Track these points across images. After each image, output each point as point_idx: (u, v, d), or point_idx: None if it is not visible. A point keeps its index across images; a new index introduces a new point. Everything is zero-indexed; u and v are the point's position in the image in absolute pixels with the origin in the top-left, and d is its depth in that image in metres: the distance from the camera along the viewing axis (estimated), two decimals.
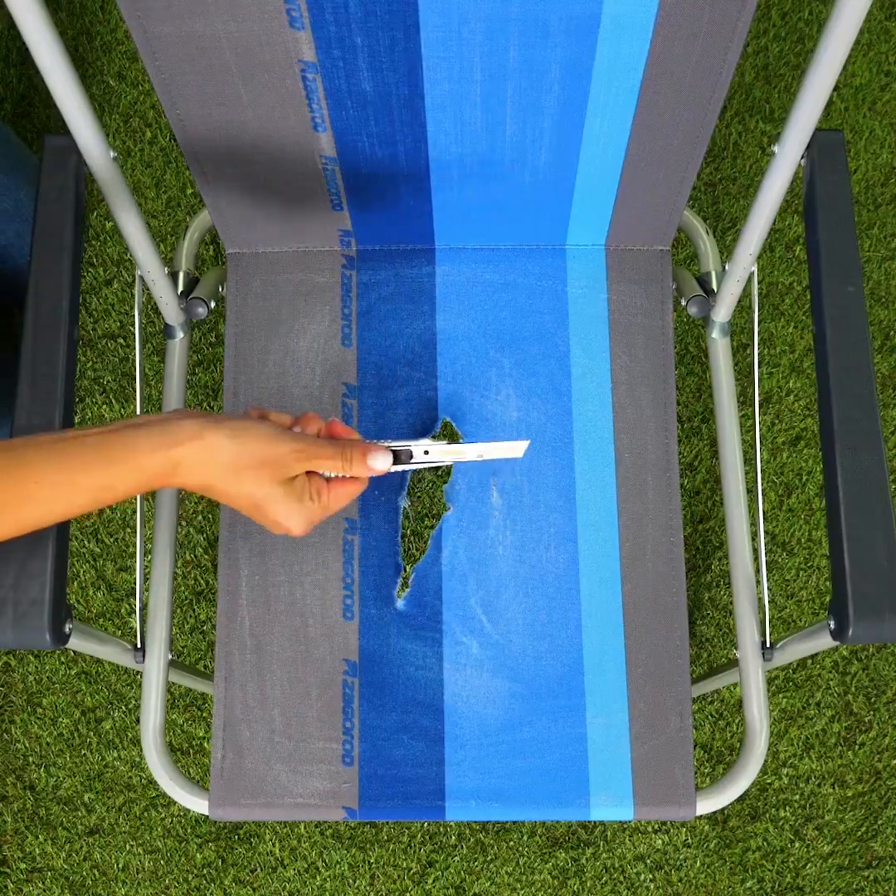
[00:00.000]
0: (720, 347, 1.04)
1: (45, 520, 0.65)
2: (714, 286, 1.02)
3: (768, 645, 0.94)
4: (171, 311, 1.01)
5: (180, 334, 1.04)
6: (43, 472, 0.63)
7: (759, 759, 0.92)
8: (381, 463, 0.75)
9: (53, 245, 0.83)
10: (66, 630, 0.79)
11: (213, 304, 1.02)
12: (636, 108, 0.83)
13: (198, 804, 0.93)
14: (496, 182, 0.92)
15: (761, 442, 1.42)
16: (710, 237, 1.05)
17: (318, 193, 0.94)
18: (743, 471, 1.00)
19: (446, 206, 0.96)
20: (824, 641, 0.82)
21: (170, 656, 0.96)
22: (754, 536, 1.01)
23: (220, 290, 1.05)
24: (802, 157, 0.84)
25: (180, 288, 1.02)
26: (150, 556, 1.08)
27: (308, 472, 0.72)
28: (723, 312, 1.02)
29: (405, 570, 0.98)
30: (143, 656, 0.94)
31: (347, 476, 0.74)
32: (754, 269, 0.97)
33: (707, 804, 0.92)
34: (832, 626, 0.80)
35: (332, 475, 0.74)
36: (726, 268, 0.97)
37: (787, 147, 0.81)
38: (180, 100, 0.82)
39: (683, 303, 1.02)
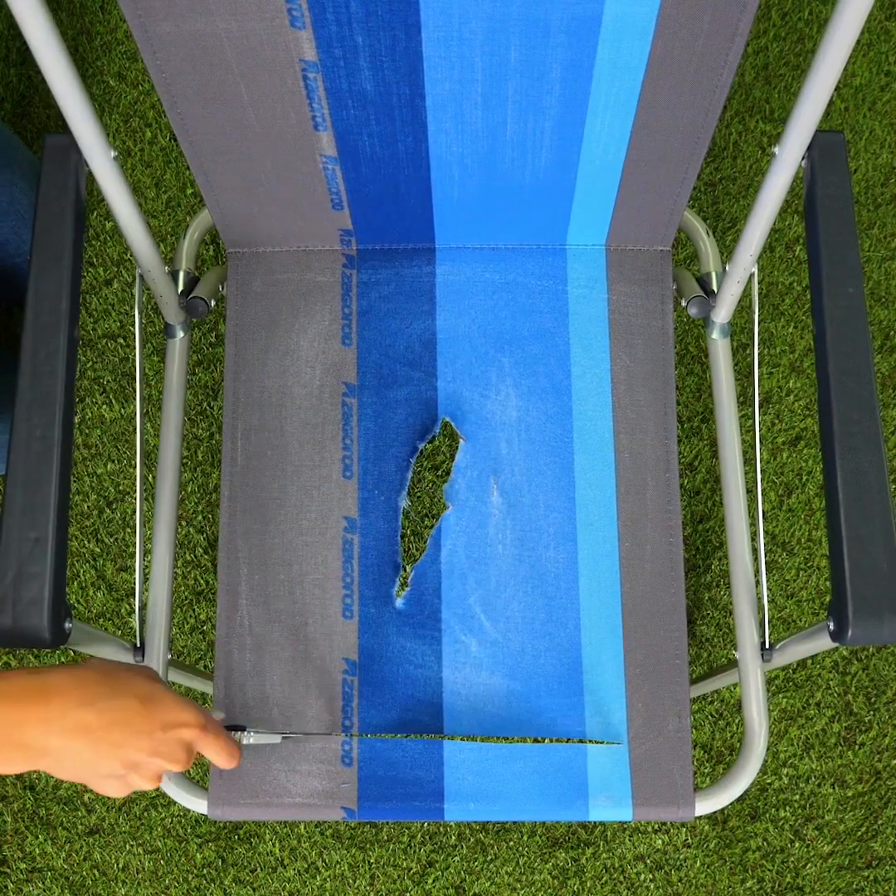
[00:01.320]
0: (720, 348, 1.04)
1: None
2: (714, 287, 1.02)
3: (768, 645, 0.94)
4: (171, 310, 1.01)
5: (180, 334, 1.04)
6: None
7: (759, 760, 0.92)
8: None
9: (53, 244, 0.83)
10: (66, 629, 0.79)
11: (213, 304, 1.02)
12: (637, 108, 0.83)
13: (197, 804, 0.93)
14: (497, 181, 0.92)
15: (761, 442, 1.42)
16: (710, 238, 1.05)
17: (319, 193, 0.94)
18: (743, 471, 1.00)
19: (447, 205, 0.96)
20: (824, 643, 0.82)
21: (169, 656, 0.96)
22: (754, 536, 1.01)
23: (221, 289, 1.05)
24: (803, 158, 0.84)
25: (180, 287, 1.02)
26: (150, 557, 1.08)
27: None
28: (723, 313, 1.02)
29: (404, 570, 0.98)
30: (143, 656, 0.94)
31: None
32: (755, 269, 0.97)
33: (706, 805, 0.92)
34: (831, 627, 0.80)
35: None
36: (726, 268, 0.97)
37: (788, 148, 0.81)
38: (181, 99, 0.82)
39: (683, 303, 1.02)
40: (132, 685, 0.68)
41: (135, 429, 1.42)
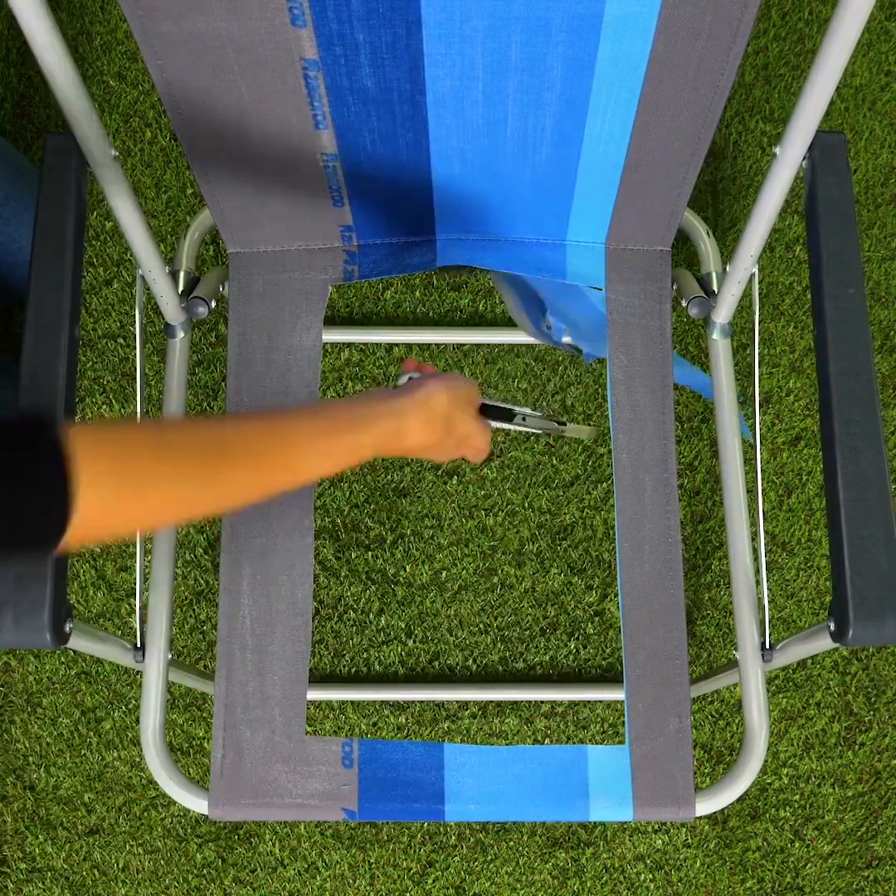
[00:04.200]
0: (720, 348, 1.04)
1: (288, 486, 0.67)
2: (714, 287, 1.02)
3: (768, 646, 0.93)
4: (171, 310, 1.01)
5: (181, 334, 1.03)
6: (300, 441, 0.67)
7: (759, 761, 0.92)
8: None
9: (54, 244, 0.83)
10: (67, 630, 0.79)
11: (213, 304, 1.02)
12: (638, 107, 0.83)
13: (197, 804, 0.93)
14: (497, 178, 0.92)
15: (761, 442, 1.42)
16: (710, 238, 1.05)
17: (320, 190, 0.94)
18: (743, 471, 1.00)
19: (447, 200, 0.96)
20: (824, 643, 0.82)
21: (170, 656, 0.96)
22: (754, 536, 1.01)
23: (221, 289, 1.05)
24: (804, 159, 0.84)
25: (181, 287, 1.01)
26: (150, 557, 1.08)
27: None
28: (723, 313, 1.02)
29: None
30: (143, 656, 0.94)
31: None
32: (755, 270, 0.97)
33: (706, 805, 0.92)
34: (832, 628, 0.80)
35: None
36: (727, 269, 0.97)
37: (789, 148, 0.81)
38: (181, 99, 0.82)
39: (684, 303, 1.02)
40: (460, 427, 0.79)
41: None
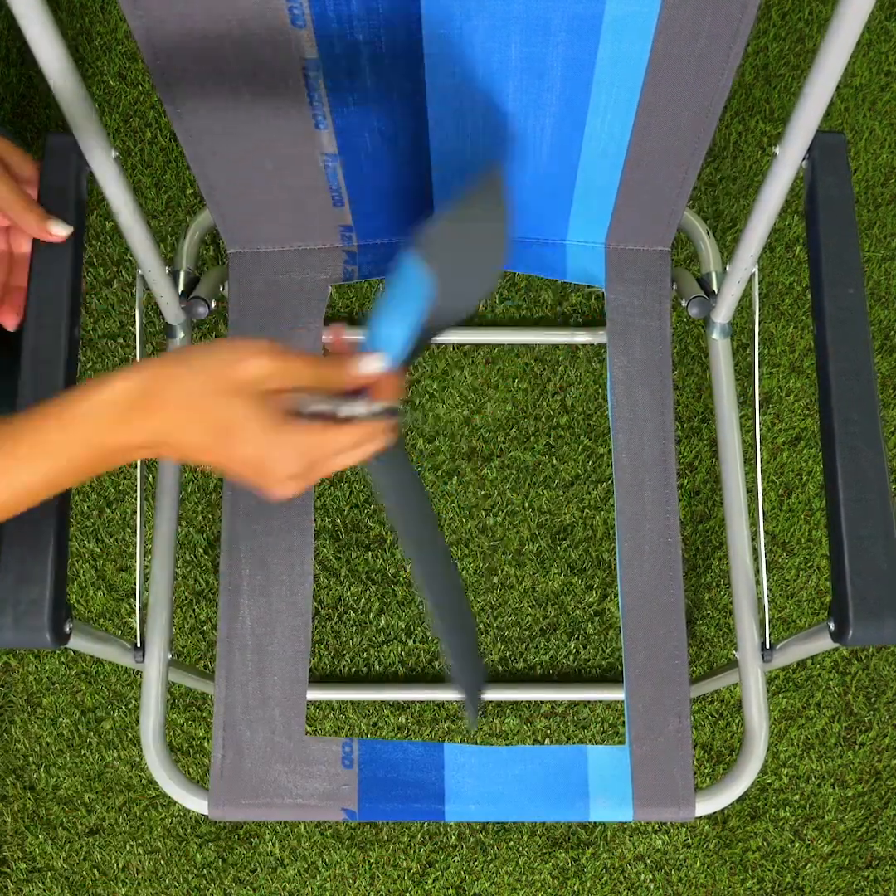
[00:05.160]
0: (720, 348, 1.04)
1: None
2: (714, 287, 1.02)
3: (768, 646, 0.94)
4: (171, 310, 1.01)
5: (181, 334, 1.03)
6: None
7: (759, 761, 0.92)
8: (371, 365, 0.62)
9: (55, 244, 0.83)
10: (67, 630, 0.79)
11: (213, 304, 1.02)
12: (638, 107, 0.83)
13: (197, 804, 0.93)
14: None
15: (761, 442, 1.42)
16: (710, 239, 1.05)
17: (319, 190, 0.94)
18: (743, 471, 1.00)
19: (447, 199, 0.96)
20: (824, 643, 0.82)
21: (169, 656, 0.96)
22: (754, 536, 1.01)
23: (221, 289, 1.05)
24: (804, 159, 0.84)
25: (181, 288, 1.01)
26: (150, 557, 1.08)
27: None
28: (723, 313, 1.02)
29: None
30: (143, 656, 0.94)
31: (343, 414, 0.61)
32: (755, 270, 0.97)
33: (706, 805, 0.92)
34: (832, 628, 0.80)
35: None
36: (727, 269, 0.97)
37: (789, 149, 0.81)
38: (181, 98, 0.82)
39: (684, 303, 1.02)
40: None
41: None
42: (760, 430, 1.42)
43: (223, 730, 0.94)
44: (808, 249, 0.88)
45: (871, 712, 1.37)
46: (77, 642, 0.81)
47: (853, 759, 1.36)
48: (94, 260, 1.48)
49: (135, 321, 1.03)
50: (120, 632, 1.38)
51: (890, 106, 1.52)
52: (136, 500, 1.41)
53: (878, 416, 0.81)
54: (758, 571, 0.99)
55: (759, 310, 1.42)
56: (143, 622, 0.95)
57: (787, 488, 1.42)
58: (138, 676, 1.36)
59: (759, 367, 1.43)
